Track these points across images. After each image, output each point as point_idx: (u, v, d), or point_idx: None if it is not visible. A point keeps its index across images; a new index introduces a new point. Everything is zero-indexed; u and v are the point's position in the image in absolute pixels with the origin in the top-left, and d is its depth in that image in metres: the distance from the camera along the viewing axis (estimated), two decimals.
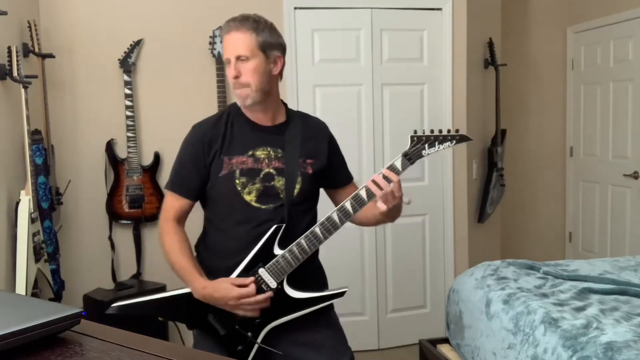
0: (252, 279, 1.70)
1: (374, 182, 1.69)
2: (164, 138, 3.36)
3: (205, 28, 3.33)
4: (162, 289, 3.14)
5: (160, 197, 3.32)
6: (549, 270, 2.57)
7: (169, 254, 1.78)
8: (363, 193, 1.71)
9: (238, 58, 1.72)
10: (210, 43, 3.34)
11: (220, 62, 3.31)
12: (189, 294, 1.75)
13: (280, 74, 1.81)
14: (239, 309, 1.70)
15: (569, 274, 2.55)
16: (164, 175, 3.36)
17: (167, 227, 1.81)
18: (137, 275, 3.35)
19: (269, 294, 1.70)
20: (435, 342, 2.79)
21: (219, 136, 1.79)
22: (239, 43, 1.72)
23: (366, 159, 3.53)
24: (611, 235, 4.42)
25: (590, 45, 4.55)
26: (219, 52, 3.31)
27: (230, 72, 1.74)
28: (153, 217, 3.33)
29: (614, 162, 4.37)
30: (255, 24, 1.73)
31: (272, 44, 1.75)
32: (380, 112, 3.58)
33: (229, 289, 1.68)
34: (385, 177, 1.68)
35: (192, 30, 3.36)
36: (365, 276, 3.63)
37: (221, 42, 1.75)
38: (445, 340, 2.75)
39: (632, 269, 2.65)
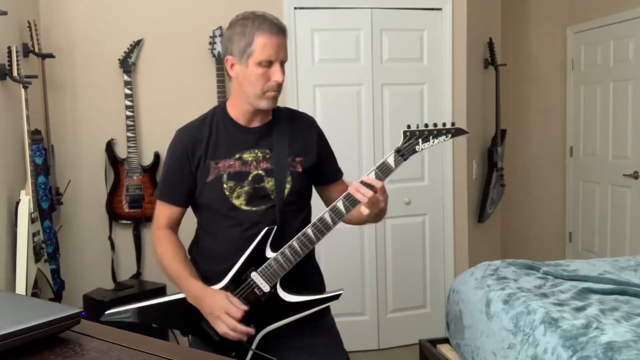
0: (246, 308, 1.65)
1: (357, 189, 1.63)
2: (164, 138, 3.32)
3: (205, 28, 3.33)
4: (162, 289, 3.14)
5: None
6: (549, 270, 2.57)
7: (163, 261, 1.76)
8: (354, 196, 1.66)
9: (282, 63, 1.69)
10: (210, 43, 3.34)
11: (220, 62, 3.31)
12: (182, 300, 1.72)
13: None
14: (217, 324, 1.66)
15: (569, 274, 2.55)
16: None
17: (159, 235, 1.80)
18: (137, 275, 3.35)
19: (249, 330, 1.66)
20: (435, 342, 2.78)
21: (203, 140, 1.75)
22: (284, 49, 1.70)
23: (366, 159, 3.53)
24: (611, 235, 4.42)
25: (590, 45, 4.55)
26: (219, 52, 3.31)
27: (279, 75, 1.67)
28: (153, 217, 3.33)
29: (614, 162, 4.37)
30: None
31: None
32: (380, 112, 3.58)
33: (221, 299, 1.65)
34: (367, 184, 1.63)
35: (192, 30, 3.36)
36: (365, 276, 3.63)
37: (249, 38, 1.65)
38: (445, 340, 2.75)
39: (632, 269, 2.65)
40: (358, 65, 3.54)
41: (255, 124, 1.78)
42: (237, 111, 1.78)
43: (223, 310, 1.64)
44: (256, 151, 1.75)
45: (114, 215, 3.30)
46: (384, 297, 3.68)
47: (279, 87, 1.70)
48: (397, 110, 3.60)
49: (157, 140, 3.36)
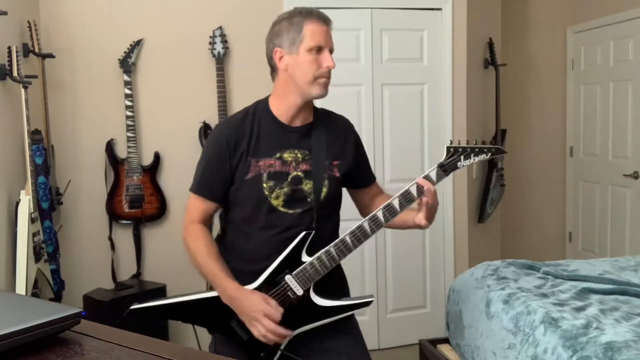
0: (282, 310, 1.65)
1: (408, 192, 1.67)
2: (164, 138, 3.36)
3: (205, 28, 3.33)
4: (162, 289, 3.15)
5: (160, 197, 3.32)
6: (549, 270, 2.57)
7: (197, 257, 1.73)
8: (396, 203, 1.68)
9: (330, 51, 1.74)
10: (210, 43, 3.33)
11: (220, 62, 3.31)
12: (214, 298, 1.70)
13: None
14: (255, 326, 1.65)
15: (569, 274, 2.55)
16: (164, 175, 3.36)
17: (192, 230, 1.76)
18: (137, 275, 3.35)
19: (288, 333, 1.66)
20: (435, 342, 2.78)
21: (245, 136, 1.72)
22: (331, 38, 1.76)
23: None
24: (611, 235, 4.42)
25: (590, 45, 4.55)
26: (219, 52, 3.31)
27: (330, 60, 1.73)
28: (153, 217, 3.33)
29: (614, 162, 4.37)
30: None
31: None
32: (380, 112, 3.58)
33: (260, 302, 1.63)
34: (419, 187, 1.68)
35: (192, 30, 3.36)
36: (365, 276, 3.63)
37: (298, 27, 1.70)
38: (445, 340, 2.75)
39: (632, 269, 2.65)
40: (358, 65, 3.54)
41: (297, 123, 1.77)
42: (281, 107, 1.76)
43: (262, 312, 1.63)
44: (296, 151, 1.74)
45: (114, 215, 3.30)
46: (384, 297, 3.68)
47: (329, 73, 1.74)
48: (397, 110, 3.60)
49: (157, 140, 3.36)
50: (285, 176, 1.72)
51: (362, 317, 3.61)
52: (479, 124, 3.98)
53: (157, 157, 3.33)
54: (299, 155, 1.74)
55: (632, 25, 4.12)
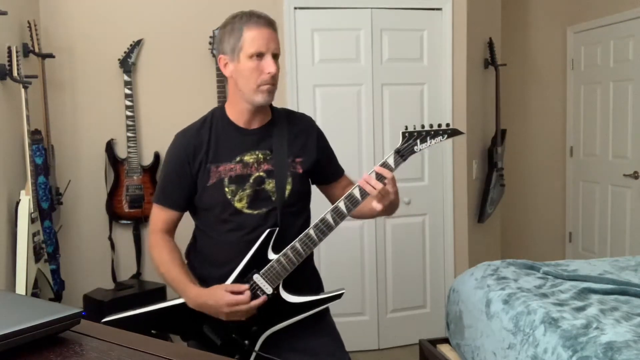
0: (247, 285, 1.66)
1: (366, 181, 1.64)
2: (164, 138, 3.32)
3: (205, 28, 3.33)
4: (162, 289, 3.14)
5: None
6: (549, 270, 2.57)
7: (160, 266, 1.75)
8: (357, 192, 1.67)
9: (274, 56, 1.69)
10: (210, 43, 3.34)
11: None
12: (183, 305, 1.70)
13: None
14: (233, 316, 1.66)
15: (569, 274, 2.55)
16: None
17: (155, 239, 1.78)
18: (137, 275, 3.35)
19: (263, 297, 1.66)
20: (435, 342, 2.78)
21: (204, 144, 1.73)
22: (274, 41, 1.69)
23: (366, 159, 3.53)
24: (611, 235, 4.42)
25: (590, 45, 4.55)
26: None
27: (271, 66, 1.66)
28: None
29: (614, 162, 4.37)
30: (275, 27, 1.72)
31: None
32: (380, 112, 3.58)
33: (223, 296, 1.64)
34: (378, 175, 1.64)
35: (192, 30, 3.36)
36: (365, 276, 3.63)
37: (238, 33, 1.66)
38: (445, 340, 2.75)
39: (632, 269, 2.65)
40: (358, 65, 3.54)
41: (255, 125, 1.77)
42: (236, 112, 1.76)
43: (231, 304, 1.63)
44: (257, 152, 1.75)
45: (114, 215, 3.30)
46: (384, 297, 3.68)
47: (272, 79, 1.69)
48: (397, 110, 3.60)
49: (157, 140, 3.36)
50: (247, 178, 1.72)
51: (362, 317, 3.61)
52: (479, 124, 3.98)
53: (157, 157, 3.33)
54: (260, 155, 1.74)
55: (632, 25, 4.12)
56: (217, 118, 1.79)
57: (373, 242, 3.63)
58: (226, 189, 1.71)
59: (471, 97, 3.73)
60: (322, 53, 3.48)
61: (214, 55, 3.32)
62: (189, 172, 1.74)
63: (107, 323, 1.67)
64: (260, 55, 1.66)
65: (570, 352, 1.82)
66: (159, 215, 1.80)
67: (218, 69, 3.29)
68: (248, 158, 1.74)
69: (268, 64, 1.66)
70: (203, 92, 3.36)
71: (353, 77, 3.54)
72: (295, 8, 3.43)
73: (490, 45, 4.02)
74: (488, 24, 4.07)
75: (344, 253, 3.53)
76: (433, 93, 3.65)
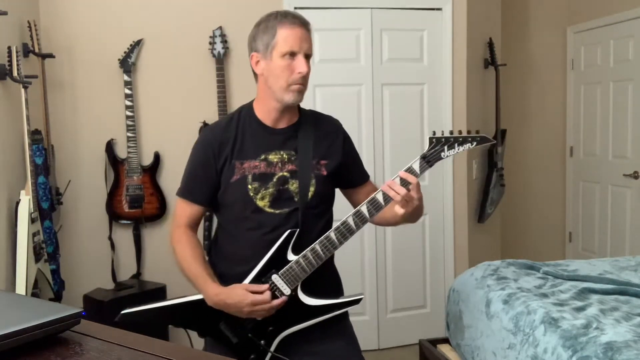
0: (267, 285, 1.65)
1: (390, 186, 1.64)
2: (164, 138, 3.36)
3: (205, 28, 3.33)
4: (162, 289, 3.15)
5: (160, 197, 3.32)
6: (549, 270, 2.57)
7: (182, 262, 1.74)
8: (380, 197, 1.66)
9: (307, 56, 1.69)
10: (210, 43, 3.34)
11: (220, 62, 3.31)
12: (201, 301, 1.70)
13: None
14: (252, 314, 1.65)
15: (569, 274, 2.55)
16: (164, 176, 3.36)
17: (178, 234, 1.78)
18: (137, 275, 3.35)
19: (283, 298, 1.65)
20: (435, 342, 2.78)
21: (230, 140, 1.73)
22: (307, 41, 1.70)
23: (366, 159, 3.53)
24: (611, 235, 4.42)
25: (590, 45, 4.55)
26: (219, 52, 3.31)
27: (303, 66, 1.66)
28: (153, 217, 3.33)
29: (614, 162, 4.37)
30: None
31: None
32: (380, 112, 3.58)
33: (243, 295, 1.63)
34: (402, 180, 1.63)
35: (192, 30, 3.36)
36: (365, 276, 3.63)
37: (272, 31, 1.67)
38: (445, 340, 2.75)
39: (632, 269, 2.65)
40: (358, 65, 3.54)
41: (282, 125, 1.77)
42: (264, 111, 1.76)
43: (252, 304, 1.63)
44: (282, 152, 1.74)
45: (114, 215, 3.30)
46: (384, 297, 3.68)
47: (303, 79, 1.69)
48: (397, 110, 3.60)
49: (157, 140, 3.36)
50: (271, 177, 1.72)
51: (362, 317, 3.61)
52: (479, 124, 3.97)
53: (157, 157, 3.33)
54: (284, 156, 1.74)
55: (632, 25, 4.12)
56: (244, 115, 1.79)
57: (373, 242, 3.63)
58: (249, 186, 1.71)
59: (471, 97, 3.73)
60: (322, 53, 3.48)
61: (214, 56, 3.33)
62: (214, 167, 1.74)
63: (126, 315, 1.66)
64: (292, 55, 1.67)
65: (570, 352, 1.82)
66: (183, 209, 1.80)
67: (218, 69, 3.31)
68: (273, 157, 1.74)
69: (300, 64, 1.67)
70: (203, 92, 3.36)
71: (353, 77, 3.54)
72: (295, 8, 3.42)
73: (490, 45, 4.02)
74: (488, 24, 4.07)
75: (344, 253, 3.50)
76: (433, 93, 3.65)
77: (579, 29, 4.66)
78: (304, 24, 1.72)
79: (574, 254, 4.77)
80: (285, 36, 1.67)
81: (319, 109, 3.48)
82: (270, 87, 1.71)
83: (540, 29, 4.78)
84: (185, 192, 1.80)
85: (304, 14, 3.66)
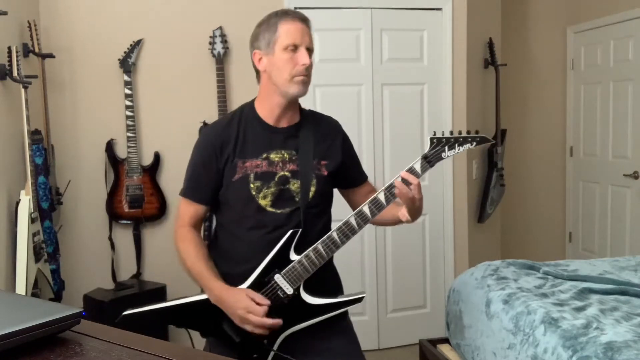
0: (268, 302, 1.65)
1: (392, 186, 1.65)
2: (164, 138, 3.36)
3: (205, 28, 3.33)
4: (162, 289, 3.15)
5: (160, 197, 3.32)
6: (549, 270, 2.57)
7: (186, 260, 1.75)
8: (382, 197, 1.67)
9: (308, 50, 1.71)
10: (210, 43, 3.33)
11: (220, 62, 3.31)
12: (203, 301, 1.71)
13: None
14: (245, 322, 1.65)
15: (569, 274, 2.55)
16: (164, 176, 3.36)
17: (182, 233, 1.78)
18: (137, 275, 3.35)
19: (277, 321, 1.65)
20: (435, 342, 2.78)
21: (232, 139, 1.74)
22: (308, 35, 1.73)
23: (366, 159, 3.53)
24: (611, 235, 4.42)
25: (590, 45, 4.55)
26: (219, 52, 3.31)
27: (305, 58, 1.69)
28: (153, 217, 3.33)
29: (614, 162, 4.37)
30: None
31: None
32: (380, 112, 3.58)
33: (242, 299, 1.64)
34: (404, 180, 1.65)
35: (192, 30, 3.36)
36: (365, 276, 3.63)
37: (273, 27, 1.70)
38: (445, 340, 2.75)
39: (632, 269, 2.65)
40: (358, 65, 3.54)
41: (283, 124, 1.79)
42: (266, 109, 1.78)
43: (246, 310, 1.63)
44: (283, 152, 1.75)
45: (114, 215, 3.30)
46: (384, 297, 3.68)
47: (307, 71, 1.71)
48: (397, 110, 3.60)
49: (157, 140, 3.36)
50: (273, 176, 1.73)
51: (362, 317, 3.61)
52: (479, 124, 3.97)
53: (157, 157, 3.33)
54: (285, 155, 1.75)
55: (632, 25, 4.12)
56: (246, 114, 1.80)
57: (373, 242, 3.63)
58: (251, 185, 1.72)
59: (471, 97, 3.73)
60: (322, 53, 3.47)
61: (214, 56, 3.33)
62: (215, 166, 1.75)
63: (127, 316, 1.66)
64: (294, 48, 1.69)
65: (570, 352, 1.82)
66: (186, 209, 1.81)
67: (218, 69, 3.31)
68: (274, 156, 1.75)
69: (302, 56, 1.69)
70: (203, 92, 3.36)
71: (353, 77, 3.54)
72: (295, 8, 3.42)
73: (490, 45, 4.02)
74: (488, 24, 4.07)
75: (344, 253, 3.50)
76: (433, 93, 3.65)
77: (579, 29, 4.66)
78: (304, 20, 1.74)
79: (574, 254, 4.77)
80: (287, 30, 1.69)
81: (319, 109, 3.48)
82: (274, 81, 1.72)
83: (540, 29, 4.78)
84: (188, 191, 1.81)
85: (304, 14, 3.66)
